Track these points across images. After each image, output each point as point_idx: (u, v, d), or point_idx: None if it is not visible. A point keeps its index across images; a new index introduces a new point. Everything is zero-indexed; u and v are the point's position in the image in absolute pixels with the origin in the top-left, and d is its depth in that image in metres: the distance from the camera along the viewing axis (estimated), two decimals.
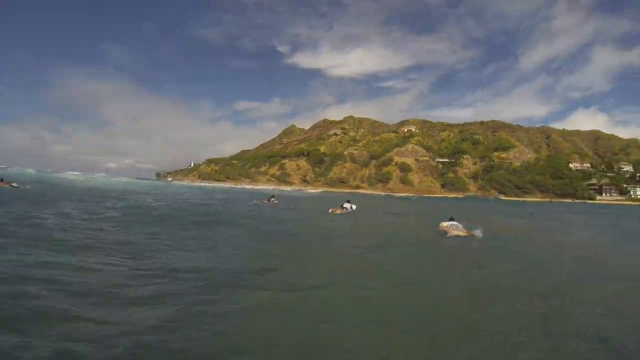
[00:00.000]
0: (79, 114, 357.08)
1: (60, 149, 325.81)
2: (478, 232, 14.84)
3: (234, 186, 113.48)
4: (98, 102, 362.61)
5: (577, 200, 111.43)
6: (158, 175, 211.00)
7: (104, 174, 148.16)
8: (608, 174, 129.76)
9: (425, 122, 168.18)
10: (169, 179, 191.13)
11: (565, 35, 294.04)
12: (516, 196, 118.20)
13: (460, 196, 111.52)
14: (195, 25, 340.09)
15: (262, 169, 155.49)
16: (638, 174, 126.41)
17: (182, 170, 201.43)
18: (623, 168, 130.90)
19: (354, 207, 24.49)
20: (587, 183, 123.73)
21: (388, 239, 14.56)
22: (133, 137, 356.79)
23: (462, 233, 14.87)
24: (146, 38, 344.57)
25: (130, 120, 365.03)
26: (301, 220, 21.28)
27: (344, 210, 23.40)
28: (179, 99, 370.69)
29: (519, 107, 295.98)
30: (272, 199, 31.34)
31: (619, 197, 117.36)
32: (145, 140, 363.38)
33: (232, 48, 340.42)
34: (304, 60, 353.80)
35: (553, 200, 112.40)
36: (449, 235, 14.73)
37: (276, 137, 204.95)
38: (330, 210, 23.52)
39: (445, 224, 15.97)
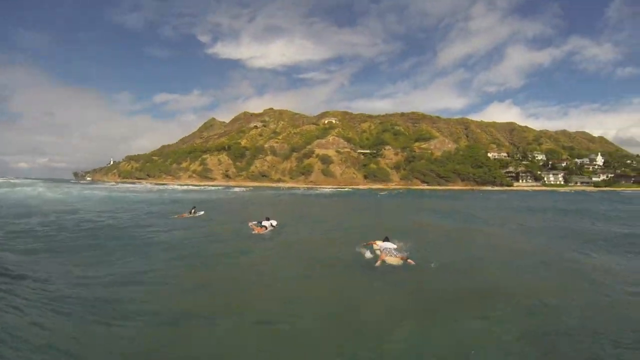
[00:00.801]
0: None
1: None
2: (410, 259, 11.54)
3: (154, 185, 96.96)
4: (6, 92, 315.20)
5: (496, 187, 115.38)
6: (76, 175, 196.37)
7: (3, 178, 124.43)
8: (523, 162, 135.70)
9: (345, 113, 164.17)
10: (88, 178, 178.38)
11: (482, 34, 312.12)
12: (439, 185, 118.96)
13: (385, 188, 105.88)
14: (114, 9, 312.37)
15: (184, 164, 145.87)
16: (550, 162, 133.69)
17: (101, 169, 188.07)
18: (537, 157, 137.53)
19: (274, 223, 18.75)
20: (504, 171, 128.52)
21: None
22: (46, 132, 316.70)
23: (396, 260, 11.61)
24: (60, 23, 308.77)
25: (43, 113, 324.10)
26: (220, 248, 13.63)
27: (264, 230, 17.77)
28: (95, 91, 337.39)
29: (438, 100, 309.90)
30: (194, 211, 24.32)
31: (534, 183, 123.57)
32: (59, 136, 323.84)
33: (151, 36, 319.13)
34: (224, 50, 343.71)
35: (474, 188, 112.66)
36: (378, 264, 11.28)
37: (196, 131, 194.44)
38: (251, 227, 17.85)
39: (378, 245, 12.62)
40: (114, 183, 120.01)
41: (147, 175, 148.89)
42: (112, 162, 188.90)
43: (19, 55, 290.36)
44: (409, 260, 11.53)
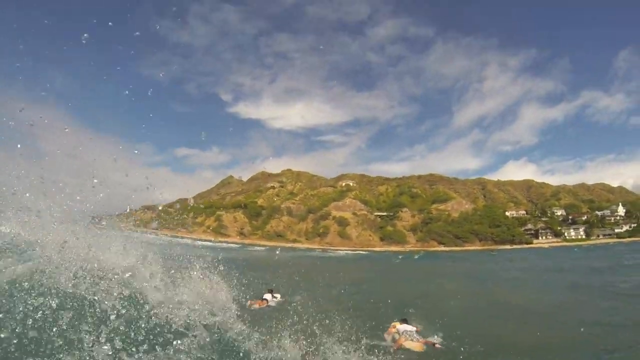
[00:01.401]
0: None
1: None
2: (437, 339, 10.56)
3: (171, 238, 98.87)
4: (38, 131, 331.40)
5: (515, 246, 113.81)
6: (93, 218, 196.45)
7: None
8: (542, 219, 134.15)
9: (363, 176, 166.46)
10: (104, 223, 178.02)
11: (496, 94, 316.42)
12: (456, 246, 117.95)
13: (402, 250, 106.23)
14: (142, 63, 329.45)
15: (199, 219, 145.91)
16: (570, 217, 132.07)
17: (118, 215, 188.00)
18: (556, 212, 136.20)
19: (277, 297, 16.82)
20: (523, 228, 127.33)
21: None
22: (67, 174, 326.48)
23: (418, 346, 10.17)
24: (90, 69, 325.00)
25: (66, 155, 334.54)
26: None
27: (265, 304, 15.82)
28: (118, 139, 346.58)
29: (454, 161, 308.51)
30: (272, 296, 17.29)
31: (554, 239, 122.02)
32: (79, 179, 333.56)
33: (176, 91, 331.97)
34: (245, 110, 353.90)
35: (492, 248, 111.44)
36: (395, 348, 9.82)
37: (214, 187, 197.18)
38: (248, 304, 14.66)
39: (395, 329, 10.99)
40: (130, 231, 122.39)
41: (162, 226, 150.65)
42: (128, 210, 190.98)
43: (48, 96, 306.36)
44: (435, 345, 10.29)
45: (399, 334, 10.71)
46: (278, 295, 16.58)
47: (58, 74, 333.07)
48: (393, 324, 11.30)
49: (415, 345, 10.22)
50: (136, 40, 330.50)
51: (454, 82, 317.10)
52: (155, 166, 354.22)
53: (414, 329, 10.96)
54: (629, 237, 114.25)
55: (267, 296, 16.18)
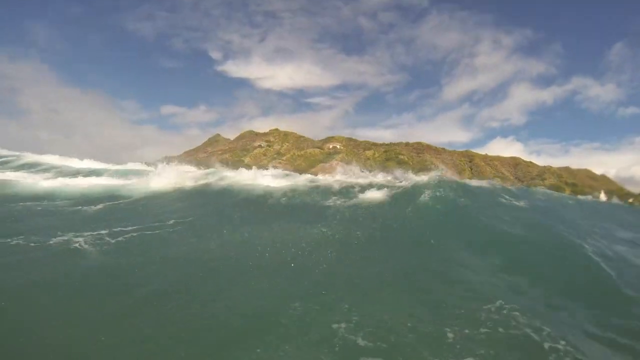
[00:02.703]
0: None
1: None
2: None
3: None
4: (17, 85, 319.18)
5: None
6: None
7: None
8: None
9: (350, 139, 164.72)
10: None
11: (488, 70, 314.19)
12: None
13: None
14: (127, 16, 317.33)
15: None
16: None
17: None
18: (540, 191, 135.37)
19: None
20: None
21: None
22: (52, 131, 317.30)
23: None
24: (71, 21, 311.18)
25: (49, 111, 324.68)
26: None
27: None
28: (102, 94, 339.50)
29: (443, 132, 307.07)
30: None
31: None
32: (64, 135, 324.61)
33: (162, 47, 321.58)
34: (234, 68, 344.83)
35: None
36: None
37: (201, 145, 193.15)
38: None
39: None
40: None
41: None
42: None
43: (30, 50, 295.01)
44: None
45: None
46: None
47: (40, 28, 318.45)
48: None
49: None
50: None
51: (446, 55, 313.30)
52: (141, 124, 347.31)
53: None
54: None
55: None
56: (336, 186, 17.43)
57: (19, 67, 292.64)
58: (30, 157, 28.25)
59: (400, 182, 18.22)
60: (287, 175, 22.58)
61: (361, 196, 15.30)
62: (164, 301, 5.73)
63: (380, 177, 20.00)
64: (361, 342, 4.81)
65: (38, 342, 4.64)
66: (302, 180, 19.67)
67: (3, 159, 27.32)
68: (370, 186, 17.04)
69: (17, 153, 30.55)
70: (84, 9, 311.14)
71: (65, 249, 7.54)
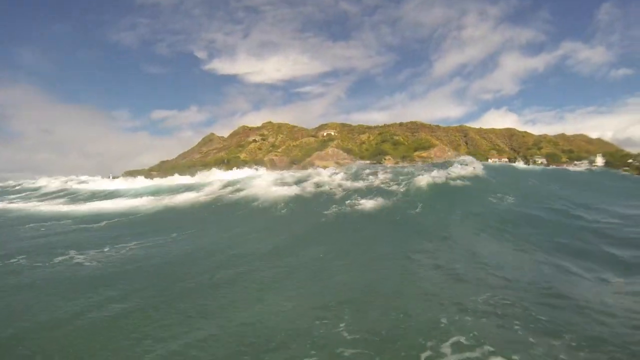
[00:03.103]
0: None
1: None
2: None
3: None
4: (9, 111, 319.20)
5: None
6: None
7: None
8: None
9: (344, 125, 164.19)
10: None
11: (476, 43, 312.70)
12: None
13: None
14: (110, 29, 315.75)
15: None
16: (551, 165, 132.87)
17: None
18: (537, 161, 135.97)
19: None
20: None
21: None
22: (47, 150, 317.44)
23: None
24: (58, 42, 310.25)
25: (41, 131, 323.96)
26: None
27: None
28: (93, 108, 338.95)
29: (436, 109, 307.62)
30: None
31: None
32: (58, 153, 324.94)
33: (147, 53, 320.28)
34: (221, 66, 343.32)
35: None
36: None
37: (195, 146, 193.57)
38: None
39: None
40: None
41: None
42: (111, 178, 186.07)
43: (18, 74, 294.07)
44: None
45: None
46: None
47: (24, 50, 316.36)
48: None
49: None
50: (101, 5, 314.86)
51: (432, 31, 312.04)
52: (134, 131, 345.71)
53: None
54: None
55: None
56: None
57: (7, 91, 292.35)
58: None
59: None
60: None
61: None
62: None
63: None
64: None
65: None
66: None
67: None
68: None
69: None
70: (67, 28, 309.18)
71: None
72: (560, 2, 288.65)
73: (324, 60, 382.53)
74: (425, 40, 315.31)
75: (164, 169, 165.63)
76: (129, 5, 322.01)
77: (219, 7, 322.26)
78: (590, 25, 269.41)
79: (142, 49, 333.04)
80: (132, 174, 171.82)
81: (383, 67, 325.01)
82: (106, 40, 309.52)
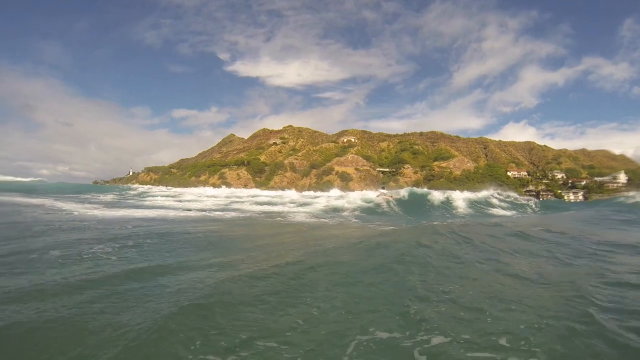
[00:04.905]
0: (10, 116, 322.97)
1: None
2: None
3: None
4: (33, 102, 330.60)
5: None
6: (96, 183, 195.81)
7: (40, 178, 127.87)
8: (543, 181, 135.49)
9: (364, 132, 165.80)
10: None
11: (496, 54, 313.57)
12: None
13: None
14: (133, 28, 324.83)
15: (202, 177, 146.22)
16: (569, 181, 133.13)
17: (120, 179, 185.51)
18: (556, 175, 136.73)
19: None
20: (525, 189, 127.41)
21: None
22: (66, 142, 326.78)
23: None
24: (81, 37, 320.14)
25: (63, 124, 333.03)
26: None
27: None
28: (114, 104, 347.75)
29: (455, 119, 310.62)
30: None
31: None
32: (78, 146, 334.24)
33: (170, 53, 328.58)
34: (243, 68, 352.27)
35: None
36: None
37: (215, 146, 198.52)
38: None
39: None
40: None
41: (166, 187, 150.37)
42: (131, 173, 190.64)
43: (41, 67, 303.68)
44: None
45: None
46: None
47: (48, 45, 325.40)
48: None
49: None
50: (125, 4, 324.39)
51: (452, 42, 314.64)
52: (153, 129, 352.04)
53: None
54: None
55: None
56: None
57: (30, 83, 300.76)
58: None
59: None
60: None
61: None
62: None
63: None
64: None
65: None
66: None
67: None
68: None
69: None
70: (91, 24, 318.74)
71: None
72: (581, 17, 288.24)
73: (343, 67, 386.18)
74: (446, 50, 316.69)
75: (183, 167, 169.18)
76: (153, 6, 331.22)
77: (241, 11, 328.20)
78: (613, 41, 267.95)
79: (164, 49, 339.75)
80: (153, 170, 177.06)
81: (402, 75, 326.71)
82: (129, 39, 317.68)
